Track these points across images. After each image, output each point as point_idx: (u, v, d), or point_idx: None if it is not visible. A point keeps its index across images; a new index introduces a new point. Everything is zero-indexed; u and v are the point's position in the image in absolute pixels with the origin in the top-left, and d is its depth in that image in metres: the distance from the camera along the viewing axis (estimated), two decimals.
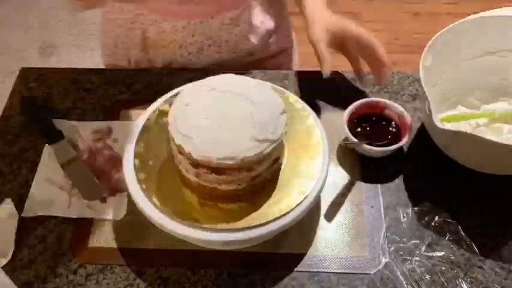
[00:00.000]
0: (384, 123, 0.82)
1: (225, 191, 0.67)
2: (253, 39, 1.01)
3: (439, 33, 0.80)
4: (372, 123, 0.82)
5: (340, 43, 0.84)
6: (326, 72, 0.79)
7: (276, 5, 1.05)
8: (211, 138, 0.63)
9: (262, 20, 1.01)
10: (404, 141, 0.78)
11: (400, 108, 0.81)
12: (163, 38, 0.97)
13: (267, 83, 0.77)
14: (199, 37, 0.97)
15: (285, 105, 0.78)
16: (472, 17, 0.82)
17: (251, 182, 0.67)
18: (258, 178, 0.67)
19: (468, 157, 0.77)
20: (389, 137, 0.80)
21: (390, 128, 0.82)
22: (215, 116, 0.65)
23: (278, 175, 0.71)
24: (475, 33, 0.82)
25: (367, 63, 0.84)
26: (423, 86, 0.74)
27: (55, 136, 0.84)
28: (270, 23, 1.04)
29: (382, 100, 0.83)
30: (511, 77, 0.86)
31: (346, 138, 0.75)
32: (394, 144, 0.78)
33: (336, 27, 0.82)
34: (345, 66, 0.90)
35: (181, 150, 0.64)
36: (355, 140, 0.77)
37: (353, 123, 0.82)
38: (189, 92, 0.69)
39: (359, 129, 0.82)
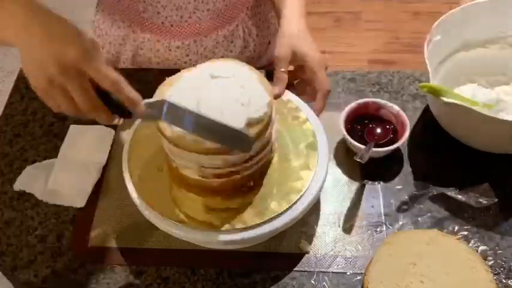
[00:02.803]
0: (380, 123, 0.82)
1: (230, 181, 0.67)
2: (249, 53, 1.01)
3: (450, 11, 0.81)
4: (369, 124, 0.82)
5: (296, 62, 0.80)
6: (279, 93, 0.76)
7: (267, 16, 1.05)
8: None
9: (256, 34, 1.01)
10: (402, 141, 0.78)
11: (396, 108, 0.81)
12: (157, 56, 0.97)
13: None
14: (194, 56, 0.96)
15: (284, 104, 0.78)
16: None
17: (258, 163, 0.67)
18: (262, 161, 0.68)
19: (463, 132, 0.78)
20: (388, 137, 0.80)
21: (387, 128, 0.82)
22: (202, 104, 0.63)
23: (279, 175, 0.71)
24: (487, 15, 0.82)
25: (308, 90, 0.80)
26: (425, 51, 0.75)
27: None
28: (262, 36, 1.03)
29: (377, 100, 0.83)
30: None
31: (357, 154, 0.75)
32: (392, 144, 0.78)
33: (298, 51, 0.77)
34: (343, 66, 0.90)
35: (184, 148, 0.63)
36: (363, 147, 0.77)
37: (350, 125, 0.82)
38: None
39: (356, 131, 0.82)
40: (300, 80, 0.81)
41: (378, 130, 0.81)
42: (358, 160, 0.73)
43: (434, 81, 0.75)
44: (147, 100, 0.61)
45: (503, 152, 0.79)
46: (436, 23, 0.79)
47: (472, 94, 0.82)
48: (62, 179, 0.80)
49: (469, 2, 0.82)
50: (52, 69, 0.52)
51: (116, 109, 0.58)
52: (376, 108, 0.83)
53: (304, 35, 0.80)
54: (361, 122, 0.82)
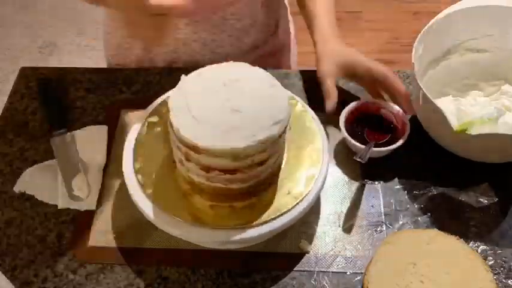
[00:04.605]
0: (380, 123, 0.82)
1: (232, 189, 0.67)
2: (255, 33, 1.02)
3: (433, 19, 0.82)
4: (369, 124, 0.82)
5: (352, 74, 0.83)
6: (329, 109, 0.79)
7: (276, 2, 1.06)
8: (224, 128, 0.62)
9: (263, 14, 1.01)
10: (402, 141, 0.78)
11: (396, 108, 0.81)
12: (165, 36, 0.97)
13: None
14: (202, 33, 0.97)
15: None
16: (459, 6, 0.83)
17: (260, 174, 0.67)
18: (265, 173, 0.67)
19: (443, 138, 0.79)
20: (388, 137, 0.80)
21: (387, 128, 0.82)
22: (217, 108, 0.64)
23: (278, 175, 0.71)
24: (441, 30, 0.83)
25: (387, 95, 0.83)
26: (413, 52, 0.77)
27: (59, 124, 0.86)
28: (271, 18, 1.04)
29: (377, 100, 0.83)
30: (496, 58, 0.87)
31: (357, 154, 0.75)
32: (392, 144, 0.78)
33: (345, 61, 0.80)
34: None
35: (189, 156, 0.64)
36: (363, 147, 0.77)
37: (350, 125, 0.82)
38: (185, 88, 0.67)
39: (356, 131, 0.81)
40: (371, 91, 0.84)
41: (378, 130, 0.81)
42: (359, 160, 0.73)
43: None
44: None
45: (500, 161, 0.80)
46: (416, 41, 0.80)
47: (457, 108, 0.82)
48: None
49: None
50: None
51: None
52: (376, 108, 0.83)
53: (342, 45, 0.83)
54: (361, 122, 0.82)
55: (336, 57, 0.81)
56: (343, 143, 0.84)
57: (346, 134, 0.79)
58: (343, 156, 0.83)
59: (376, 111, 0.83)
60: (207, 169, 0.64)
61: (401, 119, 0.80)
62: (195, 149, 0.62)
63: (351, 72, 0.82)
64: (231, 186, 0.66)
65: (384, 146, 0.78)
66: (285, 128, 0.65)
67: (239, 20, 0.98)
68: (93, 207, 0.78)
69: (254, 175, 0.66)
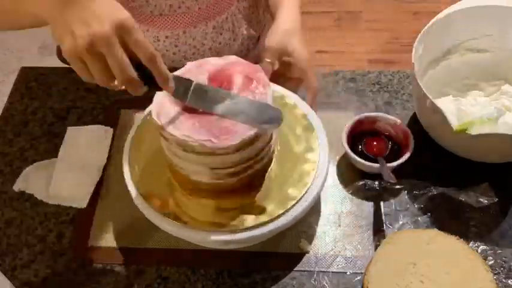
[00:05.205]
0: (376, 136, 0.81)
1: (230, 184, 0.67)
2: (236, 46, 1.00)
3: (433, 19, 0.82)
4: (368, 141, 0.81)
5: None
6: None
7: (259, 10, 1.04)
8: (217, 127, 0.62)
9: (245, 27, 1.00)
10: (409, 153, 0.76)
11: (393, 118, 0.80)
12: None
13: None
14: (182, 47, 0.95)
15: (284, 105, 0.78)
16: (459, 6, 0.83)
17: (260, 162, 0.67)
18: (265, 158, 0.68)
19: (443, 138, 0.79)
20: (388, 147, 0.80)
21: (383, 139, 0.81)
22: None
23: (278, 174, 0.71)
24: (464, 22, 0.83)
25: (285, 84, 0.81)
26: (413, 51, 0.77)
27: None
28: (252, 30, 1.02)
29: (372, 114, 0.82)
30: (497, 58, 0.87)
31: (384, 177, 0.74)
32: (397, 149, 0.78)
33: (289, 47, 0.79)
34: (343, 66, 0.90)
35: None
36: (375, 165, 0.76)
37: (350, 142, 0.80)
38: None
39: (357, 148, 0.80)
40: (287, 79, 0.82)
41: (379, 144, 0.80)
42: (391, 181, 0.73)
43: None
44: (176, 73, 0.61)
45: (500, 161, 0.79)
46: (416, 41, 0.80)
47: (457, 108, 0.82)
48: (63, 183, 0.80)
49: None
50: (97, 28, 0.51)
51: (145, 79, 0.58)
52: (370, 123, 0.82)
53: (299, 33, 0.82)
54: (359, 139, 0.81)
55: (286, 38, 0.80)
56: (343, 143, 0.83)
57: (356, 156, 0.77)
58: (343, 155, 0.83)
59: (369, 127, 0.82)
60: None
61: (401, 128, 0.80)
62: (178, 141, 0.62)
63: (286, 58, 0.80)
64: (219, 181, 0.66)
65: (391, 157, 0.77)
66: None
67: (220, 34, 0.96)
68: (84, 205, 0.78)
69: (248, 166, 0.66)
